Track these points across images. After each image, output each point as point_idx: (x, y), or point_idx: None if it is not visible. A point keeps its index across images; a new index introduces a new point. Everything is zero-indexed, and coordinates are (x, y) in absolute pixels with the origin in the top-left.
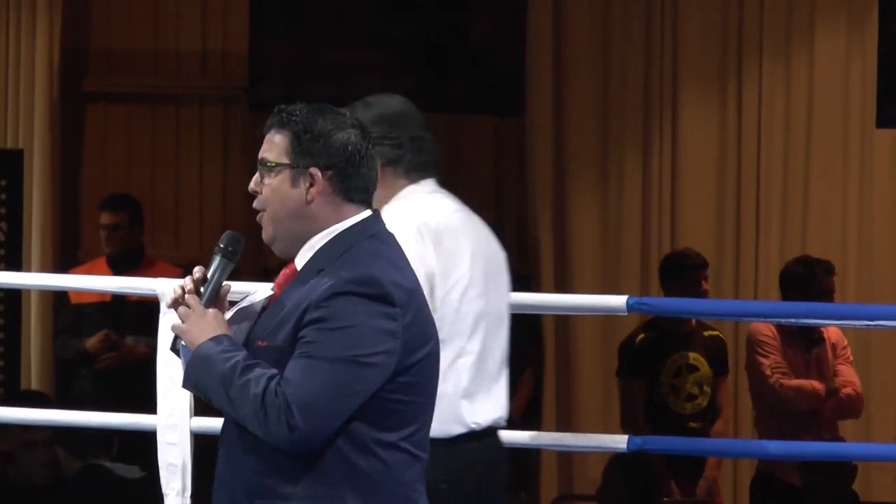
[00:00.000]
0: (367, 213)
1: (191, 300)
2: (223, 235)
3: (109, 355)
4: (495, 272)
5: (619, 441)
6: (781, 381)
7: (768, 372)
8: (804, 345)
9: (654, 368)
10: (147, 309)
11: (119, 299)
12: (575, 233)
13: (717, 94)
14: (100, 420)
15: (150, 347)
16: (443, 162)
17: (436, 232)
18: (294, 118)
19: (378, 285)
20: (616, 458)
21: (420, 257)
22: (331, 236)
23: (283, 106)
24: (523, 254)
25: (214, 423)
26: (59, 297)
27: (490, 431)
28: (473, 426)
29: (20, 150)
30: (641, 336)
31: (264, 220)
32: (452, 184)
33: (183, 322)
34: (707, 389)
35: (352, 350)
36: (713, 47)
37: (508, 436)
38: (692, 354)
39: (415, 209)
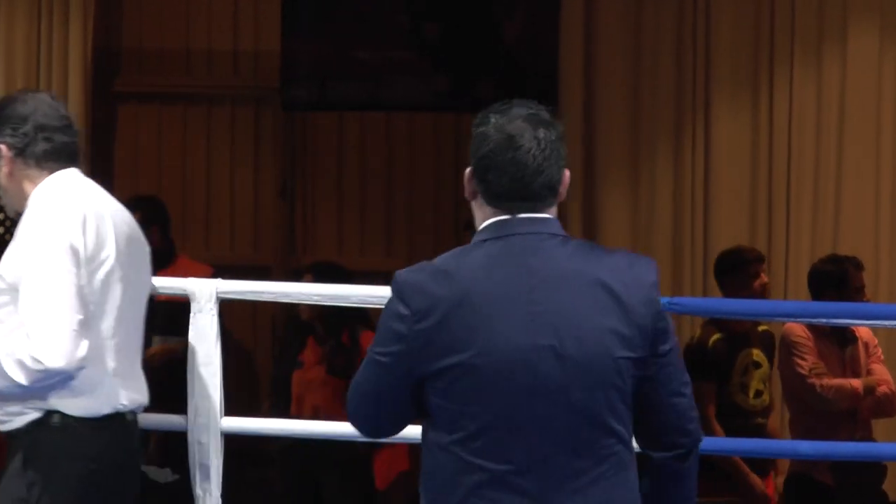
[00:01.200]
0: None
1: None
2: None
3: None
4: (138, 258)
5: None
6: (822, 381)
7: (807, 373)
8: (838, 344)
9: (727, 369)
10: (176, 308)
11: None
12: (606, 233)
13: (749, 94)
14: None
15: (181, 344)
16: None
17: (84, 216)
18: None
19: (396, 284)
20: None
21: (68, 238)
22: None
23: None
24: None
25: (244, 424)
26: None
27: (133, 413)
28: (121, 407)
29: None
30: (715, 338)
31: None
32: None
33: None
34: (769, 385)
35: (373, 345)
36: (745, 47)
37: None
38: (755, 351)
39: (63, 194)
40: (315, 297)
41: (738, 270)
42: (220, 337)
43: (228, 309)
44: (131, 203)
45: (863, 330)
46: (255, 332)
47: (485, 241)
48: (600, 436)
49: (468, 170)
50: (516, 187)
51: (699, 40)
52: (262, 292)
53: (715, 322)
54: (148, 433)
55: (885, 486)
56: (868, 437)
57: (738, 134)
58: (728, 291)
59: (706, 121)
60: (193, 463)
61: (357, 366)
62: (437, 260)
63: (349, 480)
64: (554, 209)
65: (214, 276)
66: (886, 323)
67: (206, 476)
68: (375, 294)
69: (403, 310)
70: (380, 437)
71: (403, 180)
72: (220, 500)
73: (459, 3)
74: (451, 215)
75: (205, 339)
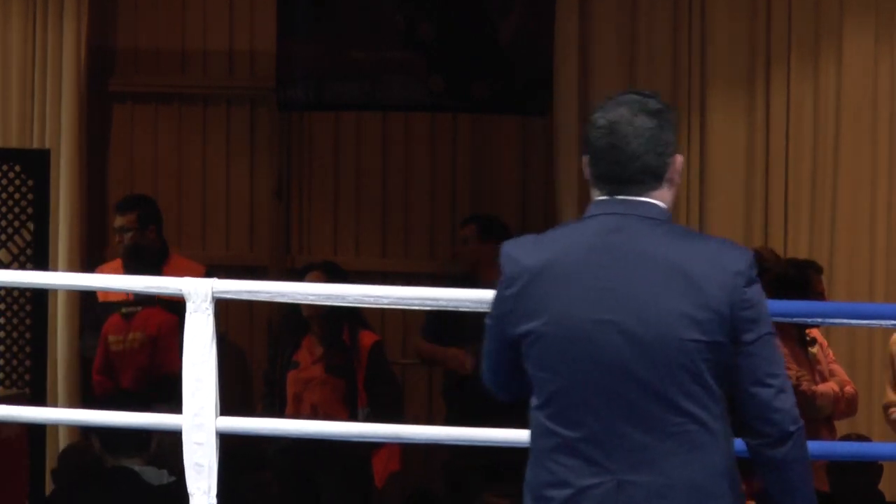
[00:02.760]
0: None
1: None
2: None
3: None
4: None
5: None
6: (812, 388)
7: (796, 381)
8: (801, 347)
9: None
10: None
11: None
12: None
13: (746, 95)
14: (125, 420)
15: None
16: (470, 162)
17: None
18: None
19: (500, 253)
20: None
21: None
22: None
23: None
24: None
25: (240, 424)
26: (86, 296)
27: None
28: None
29: (47, 151)
30: None
31: None
32: (479, 183)
33: None
34: None
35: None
36: (741, 47)
37: None
38: None
39: None
40: (311, 297)
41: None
42: (215, 336)
43: (224, 309)
44: (127, 202)
45: (816, 332)
46: (250, 332)
47: (584, 218)
48: (668, 414)
49: (585, 157)
50: (614, 171)
51: (695, 41)
52: (258, 292)
53: None
54: (149, 434)
55: (882, 486)
56: (837, 439)
57: (734, 134)
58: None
59: (702, 121)
60: (189, 463)
61: (355, 365)
62: (547, 232)
63: (347, 481)
64: (663, 192)
65: (208, 275)
66: (884, 323)
67: (202, 476)
68: (372, 293)
69: (501, 276)
70: (508, 395)
71: (399, 180)
72: (215, 501)
73: (455, 3)
74: (447, 215)
75: (200, 338)
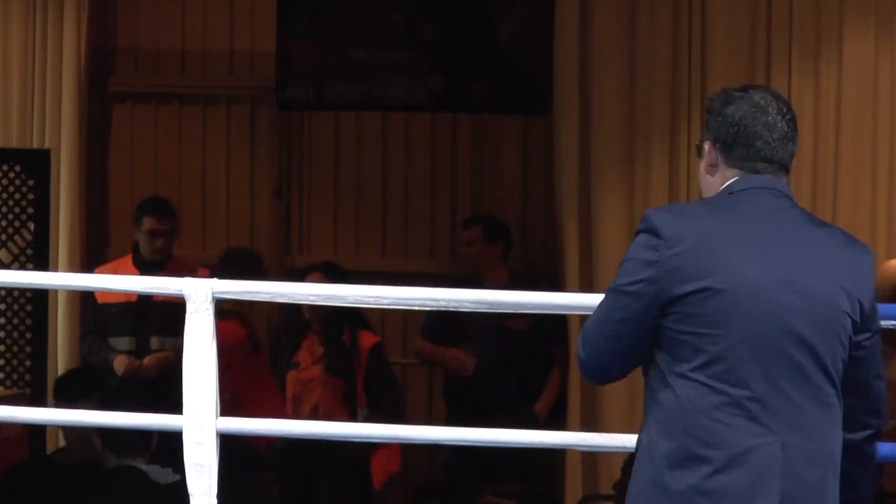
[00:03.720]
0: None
1: None
2: None
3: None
4: None
5: None
6: None
7: None
8: None
9: None
10: (172, 308)
11: (144, 299)
12: (601, 232)
13: None
14: (125, 420)
15: (175, 350)
16: (470, 162)
17: None
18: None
19: (647, 219)
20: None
21: None
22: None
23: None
24: (550, 253)
25: (240, 424)
26: (85, 297)
27: None
28: None
29: (47, 151)
30: None
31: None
32: (479, 183)
33: None
34: None
35: (618, 281)
36: (741, 47)
37: (535, 436)
38: None
39: None
40: (311, 297)
41: None
42: (215, 337)
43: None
44: (165, 207)
45: None
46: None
47: (731, 193)
48: (823, 382)
49: (707, 144)
50: (766, 150)
51: (695, 41)
52: (258, 292)
53: None
54: (151, 434)
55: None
56: None
57: None
58: None
59: (702, 122)
60: (189, 463)
61: (354, 366)
62: (685, 204)
63: (346, 481)
64: (787, 180)
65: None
66: (884, 323)
67: (203, 476)
68: (371, 294)
69: (654, 240)
70: (606, 380)
71: (399, 180)
72: (216, 501)
73: (454, 3)
74: (447, 215)
75: (200, 339)
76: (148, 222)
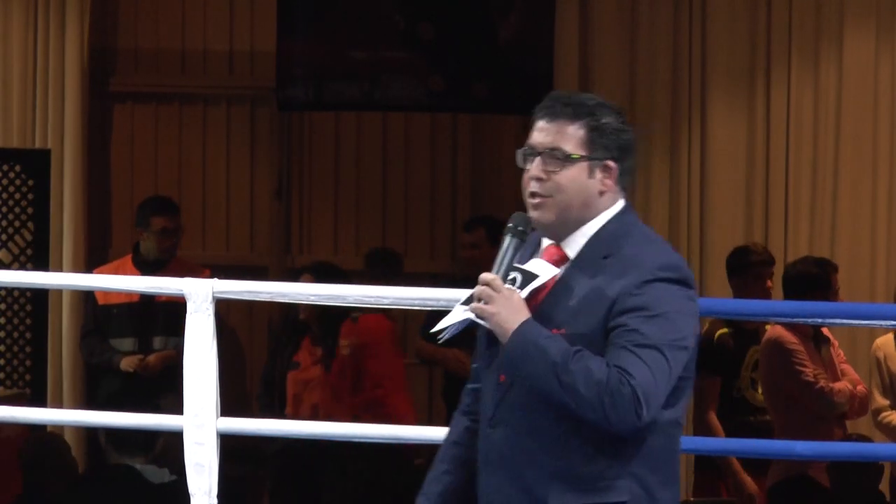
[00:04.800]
0: (623, 200)
1: (494, 281)
2: (513, 216)
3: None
4: None
5: None
6: (830, 385)
7: (814, 379)
8: (815, 347)
9: (734, 363)
10: (175, 308)
11: (146, 300)
12: None
13: (746, 95)
14: (126, 421)
15: (178, 350)
16: (470, 162)
17: None
18: (589, 114)
19: (680, 270)
20: None
21: None
22: (602, 223)
23: (575, 99)
24: None
25: (241, 424)
26: (85, 298)
27: None
28: None
29: (48, 151)
30: (721, 332)
31: (548, 205)
32: (479, 183)
33: (488, 303)
34: None
35: (672, 336)
36: (741, 47)
37: None
38: None
39: None
40: (311, 297)
41: (742, 271)
42: (216, 337)
43: (224, 309)
44: (172, 205)
45: (826, 331)
46: (251, 332)
47: (634, 224)
48: None
49: (612, 163)
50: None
51: (695, 41)
52: (259, 292)
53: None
54: (155, 434)
55: (883, 487)
56: (862, 438)
57: (734, 135)
58: (735, 291)
59: (702, 121)
60: (190, 463)
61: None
62: (658, 244)
63: (346, 480)
64: None
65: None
66: (884, 323)
67: (203, 476)
68: (372, 294)
69: (689, 291)
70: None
71: (399, 180)
72: (216, 501)
73: (455, 3)
74: (447, 215)
75: (201, 339)
76: (158, 222)
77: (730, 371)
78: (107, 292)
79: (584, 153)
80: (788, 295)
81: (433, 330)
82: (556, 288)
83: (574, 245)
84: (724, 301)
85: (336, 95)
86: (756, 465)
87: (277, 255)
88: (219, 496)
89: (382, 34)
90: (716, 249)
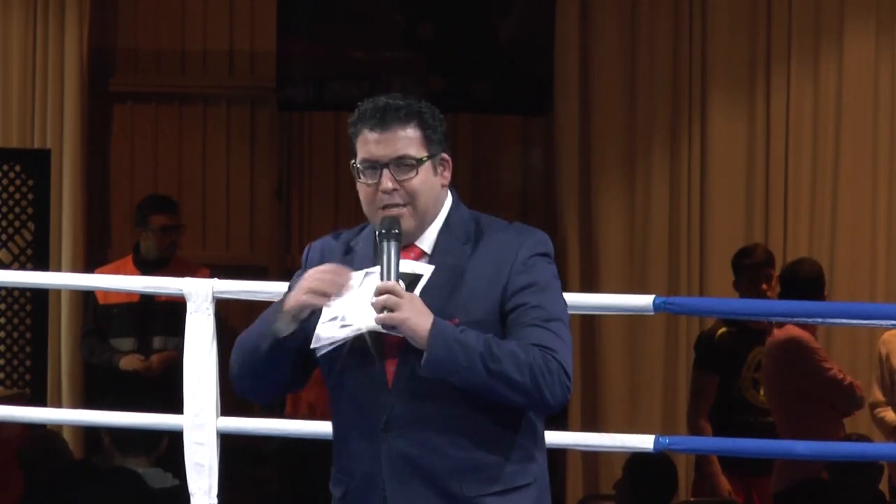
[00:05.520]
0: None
1: (395, 287)
2: (383, 221)
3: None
4: None
5: (646, 441)
6: (854, 381)
7: (841, 376)
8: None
9: (734, 363)
10: (174, 308)
11: (146, 300)
12: (602, 232)
13: (746, 95)
14: (126, 420)
15: (178, 350)
16: (470, 162)
17: None
18: (419, 114)
19: (549, 244)
20: (637, 456)
21: None
22: (445, 213)
23: (400, 103)
24: None
25: (241, 424)
26: (86, 298)
27: None
28: None
29: (47, 151)
30: (722, 331)
31: (407, 213)
32: (479, 184)
33: (395, 310)
34: None
35: (563, 307)
36: (741, 47)
37: None
38: None
39: None
40: None
41: (739, 272)
42: (216, 337)
43: (224, 309)
44: (171, 203)
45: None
46: None
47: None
48: None
49: (447, 157)
50: None
51: (695, 40)
52: (259, 292)
53: None
54: (160, 436)
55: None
56: (849, 437)
57: (734, 134)
58: (738, 290)
59: (703, 121)
60: (190, 463)
61: None
62: (509, 223)
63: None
64: None
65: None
66: (884, 323)
67: (203, 476)
68: None
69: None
70: None
71: None
72: (216, 501)
73: (455, 3)
74: None
75: (201, 339)
76: (157, 220)
77: (730, 370)
78: (107, 292)
79: (426, 154)
80: (785, 295)
81: (312, 346)
82: (430, 282)
83: (427, 240)
84: (724, 301)
85: (336, 95)
86: (755, 467)
87: (277, 255)
88: (219, 496)
89: (382, 34)
90: (716, 249)
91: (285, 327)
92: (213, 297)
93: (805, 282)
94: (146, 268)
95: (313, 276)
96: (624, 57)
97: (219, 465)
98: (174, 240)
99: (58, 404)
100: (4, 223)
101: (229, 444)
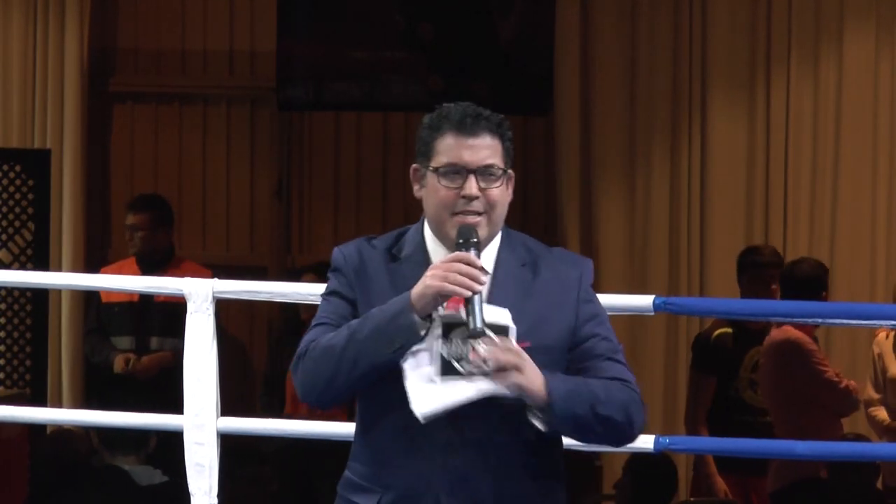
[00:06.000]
0: None
1: (513, 348)
2: (462, 229)
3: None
4: None
5: (646, 441)
6: (849, 383)
7: (837, 378)
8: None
9: (732, 364)
10: (172, 309)
11: (145, 299)
12: (602, 232)
13: (746, 95)
14: (127, 420)
15: (174, 351)
16: None
17: None
18: (502, 127)
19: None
20: (637, 456)
21: None
22: (500, 232)
23: (487, 113)
24: None
25: (241, 424)
26: (89, 297)
27: None
28: None
29: (48, 151)
30: (719, 332)
31: (484, 222)
32: None
33: (521, 371)
34: None
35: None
36: (742, 48)
37: None
38: None
39: None
40: (312, 297)
41: (747, 270)
42: (216, 337)
43: (225, 309)
44: (141, 202)
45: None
46: (251, 332)
47: None
48: None
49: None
50: None
51: (695, 41)
52: (259, 292)
53: None
54: (148, 435)
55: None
56: (845, 437)
57: (734, 135)
58: (743, 290)
59: (703, 121)
60: (190, 463)
61: None
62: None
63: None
64: None
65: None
66: (884, 323)
67: (203, 476)
68: None
69: None
70: None
71: (399, 180)
72: (216, 501)
73: (455, 3)
74: None
75: (201, 339)
76: (127, 218)
77: (727, 371)
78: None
79: (505, 167)
80: (784, 295)
81: (421, 412)
82: (497, 302)
83: (488, 255)
84: (724, 301)
85: (336, 95)
86: (753, 467)
87: (277, 255)
88: (219, 496)
89: (382, 34)
90: (716, 249)
91: (422, 322)
92: (213, 298)
93: (801, 281)
94: (147, 267)
95: (448, 268)
96: (624, 57)
97: (219, 465)
98: (142, 238)
99: (58, 404)
100: (4, 223)
101: (229, 444)
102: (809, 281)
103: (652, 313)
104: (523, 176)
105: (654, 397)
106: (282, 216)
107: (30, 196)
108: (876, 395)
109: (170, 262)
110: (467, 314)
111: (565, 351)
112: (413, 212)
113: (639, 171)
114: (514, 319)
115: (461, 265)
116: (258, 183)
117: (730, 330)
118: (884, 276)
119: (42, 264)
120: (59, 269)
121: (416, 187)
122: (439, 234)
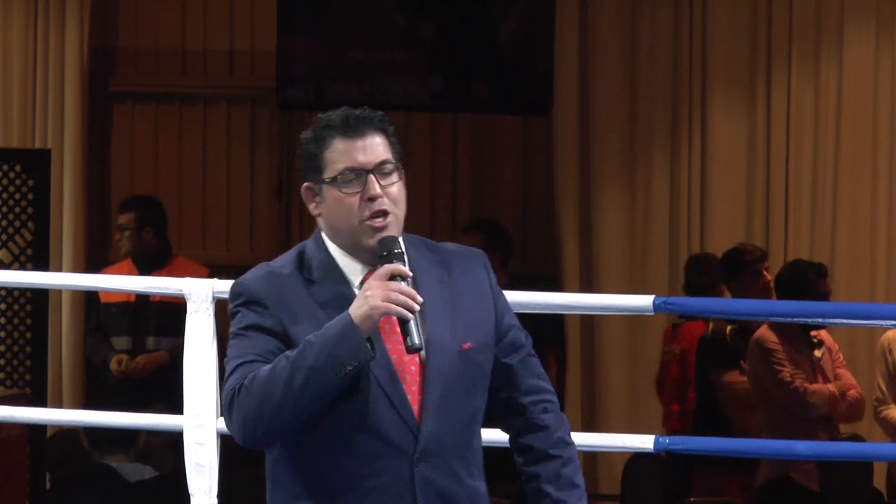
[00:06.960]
0: None
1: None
2: (382, 243)
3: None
4: None
5: (646, 441)
6: (805, 385)
7: (790, 379)
8: (807, 350)
9: (734, 361)
10: (169, 309)
11: (142, 299)
12: (602, 233)
13: (746, 95)
14: (126, 420)
15: (169, 351)
16: (470, 162)
17: None
18: (384, 122)
19: None
20: (637, 457)
21: None
22: (402, 231)
23: (367, 112)
24: (549, 253)
25: None
26: (89, 297)
27: None
28: None
29: (48, 151)
30: (731, 328)
31: (392, 222)
32: (479, 183)
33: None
34: None
35: None
36: (742, 48)
37: None
38: None
39: None
40: None
41: (740, 271)
42: (216, 337)
43: (225, 309)
44: (128, 202)
45: (825, 335)
46: None
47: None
48: None
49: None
50: None
51: (695, 41)
52: None
53: None
54: (136, 433)
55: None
56: (855, 439)
57: (734, 134)
58: (734, 293)
59: (703, 121)
60: (190, 463)
61: None
62: None
63: None
64: None
65: (211, 276)
66: (884, 323)
67: (203, 476)
68: None
69: None
70: None
71: None
72: (216, 501)
73: (455, 3)
74: (447, 215)
75: (201, 339)
76: (118, 218)
77: (736, 367)
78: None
79: (396, 161)
80: (779, 297)
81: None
82: (431, 306)
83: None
84: (725, 301)
85: (336, 95)
86: (746, 463)
87: (277, 256)
88: (219, 496)
89: (382, 34)
90: (716, 249)
91: (367, 347)
92: (213, 298)
93: (785, 283)
94: (145, 267)
95: (387, 286)
96: (624, 57)
97: (219, 465)
98: (129, 237)
99: (58, 404)
100: (4, 223)
101: (229, 444)
102: (791, 281)
103: (652, 313)
104: (523, 176)
105: (653, 397)
106: (282, 216)
107: (30, 196)
108: (886, 392)
109: (165, 261)
110: (405, 332)
111: (494, 346)
112: (412, 211)
113: (639, 171)
114: (452, 322)
115: (401, 285)
116: (258, 183)
117: (735, 326)
118: (884, 276)
119: (42, 264)
120: (59, 269)
121: (311, 206)
122: (350, 248)
